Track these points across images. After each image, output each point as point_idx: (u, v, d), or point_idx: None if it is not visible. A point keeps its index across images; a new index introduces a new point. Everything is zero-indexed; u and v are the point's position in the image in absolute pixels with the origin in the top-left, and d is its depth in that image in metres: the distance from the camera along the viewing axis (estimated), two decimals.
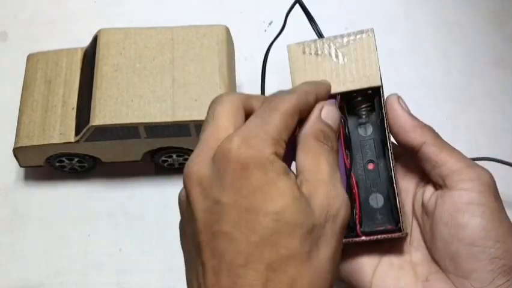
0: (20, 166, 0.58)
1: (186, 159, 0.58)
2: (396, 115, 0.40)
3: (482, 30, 0.68)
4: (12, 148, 0.55)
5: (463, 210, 0.37)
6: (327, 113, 0.36)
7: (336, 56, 0.41)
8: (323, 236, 0.32)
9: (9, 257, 0.56)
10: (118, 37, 0.56)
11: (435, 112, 0.62)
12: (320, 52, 0.41)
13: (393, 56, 0.64)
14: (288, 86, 0.64)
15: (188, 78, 0.55)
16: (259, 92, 0.59)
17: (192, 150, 0.56)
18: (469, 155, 0.43)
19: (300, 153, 0.35)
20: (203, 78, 0.55)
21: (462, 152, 0.42)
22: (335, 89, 0.40)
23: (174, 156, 0.57)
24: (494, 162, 0.54)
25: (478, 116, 0.63)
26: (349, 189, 0.39)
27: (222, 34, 0.57)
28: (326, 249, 0.32)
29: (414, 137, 0.39)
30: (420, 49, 0.66)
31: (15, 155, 0.56)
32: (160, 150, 0.56)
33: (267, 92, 0.59)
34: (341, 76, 0.40)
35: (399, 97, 0.41)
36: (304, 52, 0.42)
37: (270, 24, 0.68)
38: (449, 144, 0.40)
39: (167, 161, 0.58)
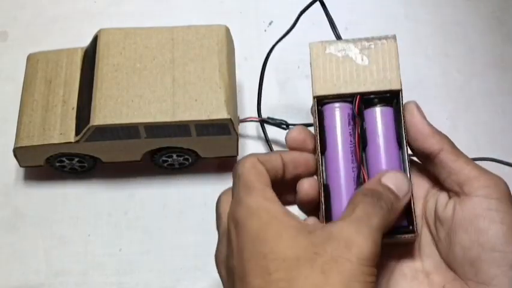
0: (20, 166, 0.58)
1: (186, 159, 0.58)
2: (416, 121, 0.41)
3: (482, 30, 0.68)
4: (12, 148, 0.55)
5: (483, 215, 0.37)
6: (390, 178, 0.38)
7: (358, 57, 0.42)
8: (331, 264, 0.33)
9: (9, 257, 0.56)
10: (118, 37, 0.56)
11: (435, 112, 0.62)
12: (342, 52, 0.42)
13: None
14: (285, 83, 0.64)
15: (189, 78, 0.55)
16: (257, 92, 0.59)
17: (192, 150, 0.57)
18: (469, 155, 0.43)
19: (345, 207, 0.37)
20: (203, 78, 0.55)
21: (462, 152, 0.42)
22: (355, 89, 0.41)
23: (174, 156, 0.57)
24: (494, 162, 0.54)
25: (478, 116, 0.63)
26: (360, 184, 0.40)
27: (222, 34, 0.57)
28: (336, 277, 0.32)
29: (432, 143, 0.40)
30: (420, 49, 0.66)
31: (15, 155, 0.56)
32: (160, 150, 0.56)
33: (264, 90, 0.59)
34: (361, 77, 0.41)
35: (417, 104, 0.41)
36: (325, 51, 0.42)
37: (270, 24, 0.68)
38: (463, 153, 0.40)
39: (167, 161, 0.58)
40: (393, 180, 0.38)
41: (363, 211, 0.35)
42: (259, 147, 0.61)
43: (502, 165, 0.55)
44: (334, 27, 0.45)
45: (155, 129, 0.53)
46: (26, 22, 0.68)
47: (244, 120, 0.59)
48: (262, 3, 0.70)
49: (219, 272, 0.39)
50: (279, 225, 0.34)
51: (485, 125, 0.63)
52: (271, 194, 0.37)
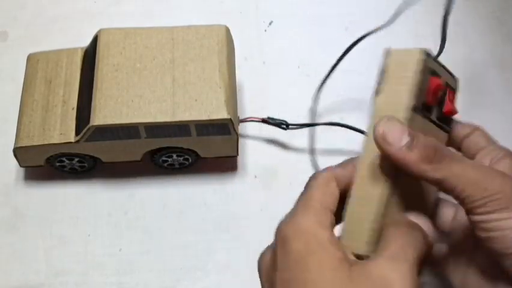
0: (20, 166, 0.58)
1: (186, 159, 0.58)
2: None
3: (482, 30, 0.68)
4: (12, 148, 0.55)
5: None
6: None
7: None
8: None
9: (9, 257, 0.56)
10: (118, 37, 0.56)
11: None
12: None
13: None
14: (285, 83, 0.64)
15: (189, 78, 0.55)
16: (257, 92, 0.60)
17: (192, 150, 0.57)
18: None
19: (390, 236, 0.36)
20: (203, 78, 0.55)
21: None
22: None
23: (174, 156, 0.57)
24: None
25: (478, 116, 0.63)
26: None
27: (222, 34, 0.57)
28: None
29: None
30: None
31: (15, 155, 0.56)
32: (160, 150, 0.56)
33: (269, 94, 0.59)
34: None
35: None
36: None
37: (270, 24, 0.68)
38: None
39: (167, 161, 0.58)
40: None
41: (398, 244, 0.35)
42: (259, 147, 0.61)
43: None
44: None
45: (155, 129, 0.53)
46: (26, 22, 0.68)
47: (244, 120, 0.59)
48: (262, 3, 0.70)
49: (260, 276, 0.38)
50: (322, 254, 0.34)
51: (485, 125, 0.63)
52: (326, 218, 0.36)
